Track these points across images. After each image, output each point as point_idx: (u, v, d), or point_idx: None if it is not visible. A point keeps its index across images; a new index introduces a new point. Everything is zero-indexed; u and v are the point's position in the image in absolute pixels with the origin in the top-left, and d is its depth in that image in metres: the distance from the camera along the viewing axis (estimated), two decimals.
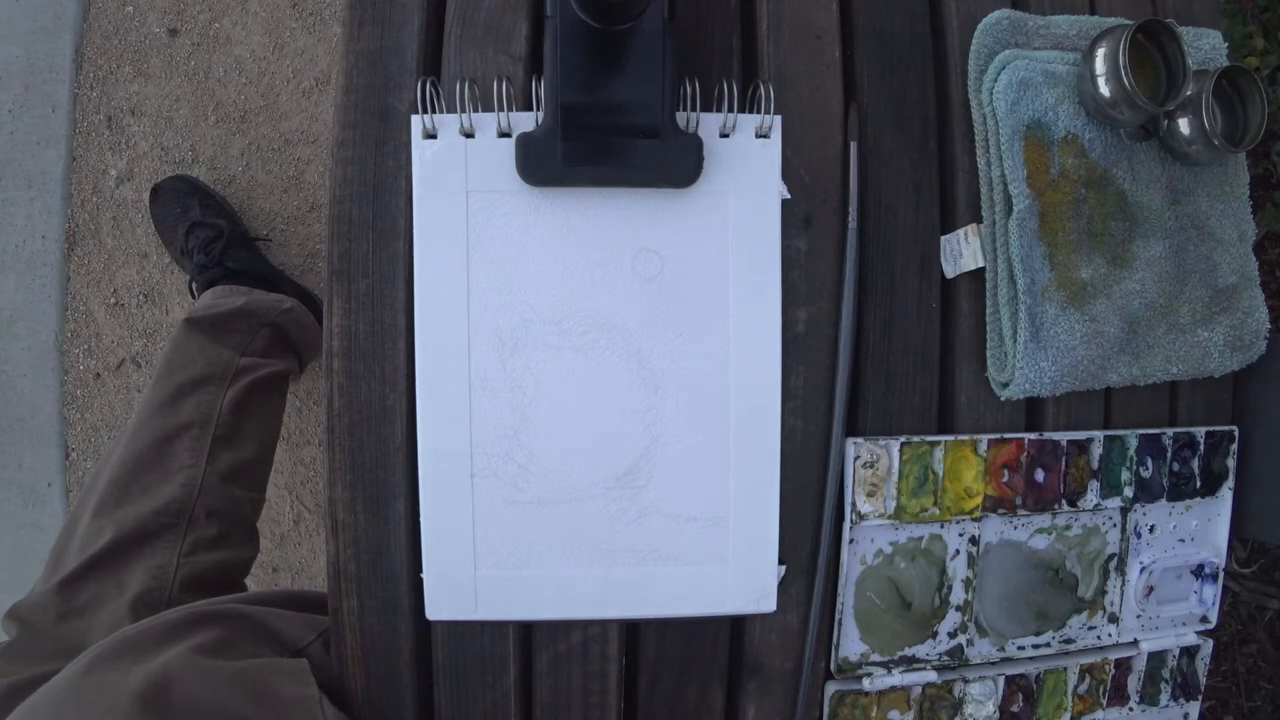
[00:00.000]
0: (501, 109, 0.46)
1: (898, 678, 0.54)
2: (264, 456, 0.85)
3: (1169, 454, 0.58)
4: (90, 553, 0.67)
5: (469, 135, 0.48)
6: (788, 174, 0.51)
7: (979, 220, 0.53)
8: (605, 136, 0.46)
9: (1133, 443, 0.57)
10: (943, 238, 0.55)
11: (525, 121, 0.47)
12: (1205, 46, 0.57)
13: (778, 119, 0.48)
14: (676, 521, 0.49)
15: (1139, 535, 0.58)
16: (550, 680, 0.52)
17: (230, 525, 0.75)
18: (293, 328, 0.93)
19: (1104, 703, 0.59)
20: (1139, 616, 0.59)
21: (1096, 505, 0.56)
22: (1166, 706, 0.60)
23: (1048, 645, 0.57)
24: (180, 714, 0.45)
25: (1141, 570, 0.58)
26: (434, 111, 0.47)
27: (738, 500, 0.50)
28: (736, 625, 0.54)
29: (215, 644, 0.51)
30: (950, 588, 0.55)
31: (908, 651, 0.55)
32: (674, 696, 0.53)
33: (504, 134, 0.47)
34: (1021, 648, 0.57)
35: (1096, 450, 0.56)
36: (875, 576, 0.54)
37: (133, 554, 0.68)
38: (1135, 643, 0.59)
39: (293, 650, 0.55)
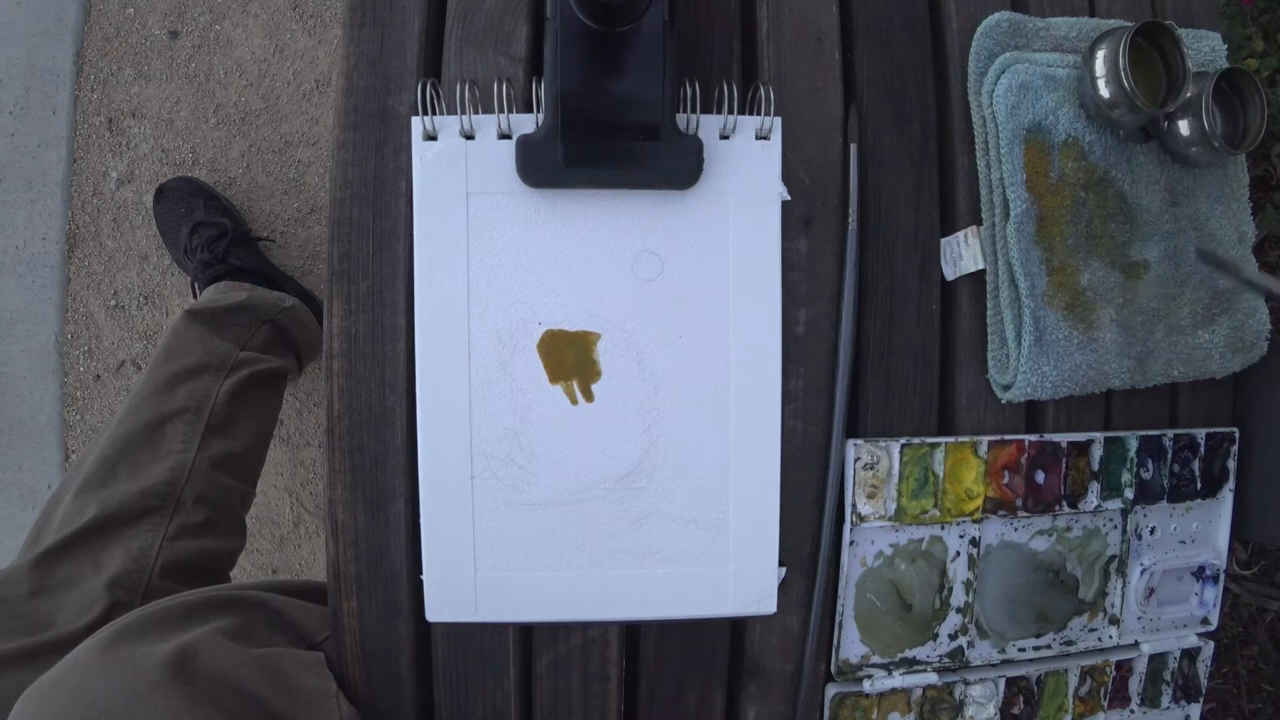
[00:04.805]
0: (502, 111, 0.46)
1: (898, 680, 0.54)
2: (257, 450, 0.83)
3: (1169, 455, 0.58)
4: (70, 530, 0.65)
5: (469, 137, 0.48)
6: (788, 176, 0.51)
7: (979, 222, 0.53)
8: (605, 138, 0.46)
9: (1133, 444, 0.57)
10: (943, 240, 0.55)
11: (525, 123, 0.47)
12: (1205, 48, 0.57)
13: (778, 121, 0.48)
14: (676, 523, 0.49)
15: (1139, 537, 0.58)
16: (550, 682, 0.52)
17: (217, 513, 0.73)
18: (293, 326, 0.93)
19: (1105, 705, 0.59)
20: (1140, 618, 0.59)
21: (1097, 507, 0.56)
22: (1168, 708, 0.60)
23: (1048, 647, 0.57)
24: (205, 686, 0.45)
25: (1142, 572, 0.58)
26: (434, 113, 0.47)
27: (738, 502, 0.50)
28: (737, 627, 0.54)
29: (235, 629, 0.51)
30: (951, 589, 0.55)
31: (908, 653, 0.55)
32: (674, 699, 0.53)
33: (504, 136, 0.47)
34: (1022, 650, 0.57)
35: (1097, 452, 0.56)
36: (876, 578, 0.54)
37: (114, 534, 0.66)
38: (1136, 644, 0.59)
39: (310, 643, 0.55)
